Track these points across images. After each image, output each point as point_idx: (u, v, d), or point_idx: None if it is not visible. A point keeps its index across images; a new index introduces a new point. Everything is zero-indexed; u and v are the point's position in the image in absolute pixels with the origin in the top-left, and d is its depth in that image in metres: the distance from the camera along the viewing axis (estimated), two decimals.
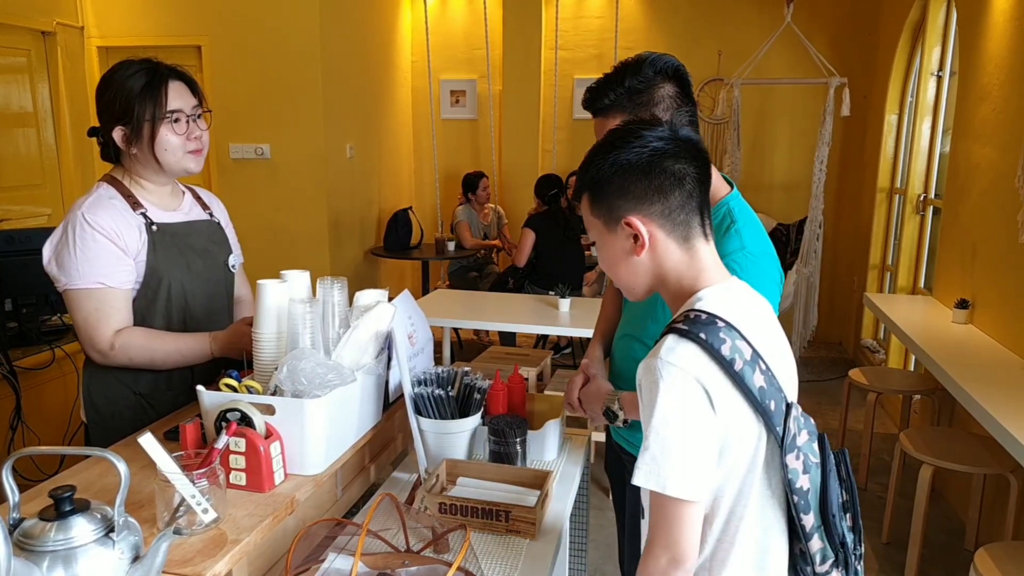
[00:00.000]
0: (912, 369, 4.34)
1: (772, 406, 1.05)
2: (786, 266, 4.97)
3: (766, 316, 1.16)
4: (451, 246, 5.54)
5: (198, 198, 1.90)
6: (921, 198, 4.67)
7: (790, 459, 1.05)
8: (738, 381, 1.03)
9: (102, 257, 1.63)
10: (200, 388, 1.39)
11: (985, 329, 3.22)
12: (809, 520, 1.08)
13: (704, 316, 1.06)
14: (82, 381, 1.80)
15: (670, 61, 1.48)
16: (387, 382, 1.68)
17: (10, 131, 4.26)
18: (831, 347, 5.98)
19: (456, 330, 5.50)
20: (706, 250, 1.15)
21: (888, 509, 3.16)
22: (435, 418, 1.62)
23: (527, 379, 3.40)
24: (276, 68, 4.79)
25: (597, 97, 1.49)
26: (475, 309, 4.08)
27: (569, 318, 3.78)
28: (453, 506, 1.45)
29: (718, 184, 1.53)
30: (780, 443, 1.06)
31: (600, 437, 3.31)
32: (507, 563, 1.35)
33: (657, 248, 1.13)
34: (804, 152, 5.70)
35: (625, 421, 1.52)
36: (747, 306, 1.13)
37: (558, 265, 4.84)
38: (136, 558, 1.00)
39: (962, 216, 3.59)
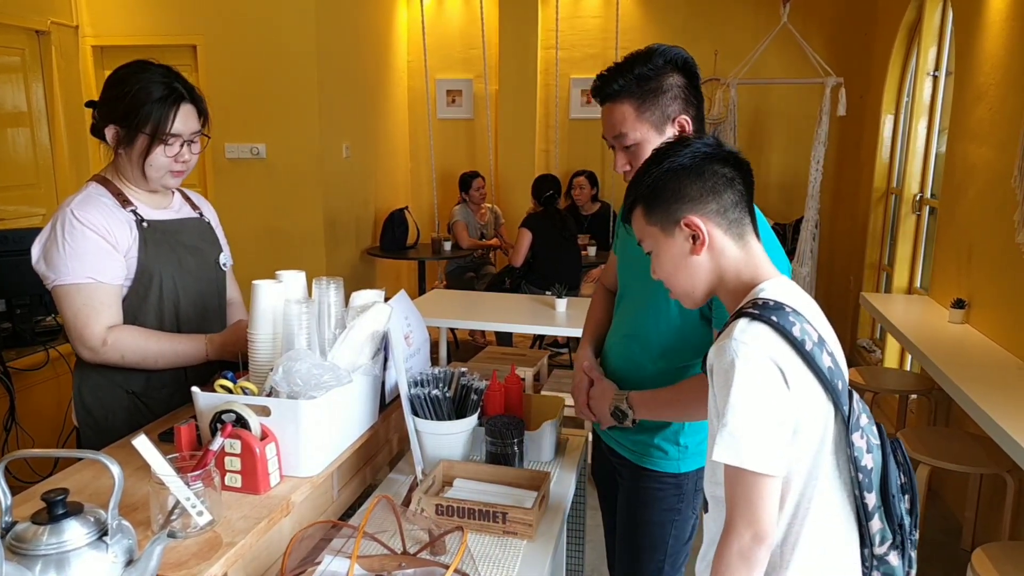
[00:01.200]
0: (908, 369, 4.35)
1: (839, 386, 1.10)
2: None
3: (817, 309, 1.21)
4: (447, 246, 5.53)
5: (187, 199, 1.90)
6: (917, 198, 4.67)
7: (855, 438, 1.10)
8: (809, 360, 1.08)
9: (91, 252, 1.61)
10: (195, 389, 1.38)
11: (981, 329, 3.22)
12: (871, 499, 1.12)
13: (772, 302, 1.11)
14: (73, 383, 1.78)
15: (680, 53, 1.50)
16: (383, 383, 1.68)
17: (4, 131, 4.24)
18: None
19: (452, 330, 5.50)
20: (759, 247, 1.21)
21: None
22: (432, 419, 1.61)
23: (524, 379, 3.39)
24: (272, 67, 4.78)
25: (606, 83, 1.50)
26: (472, 309, 4.08)
27: (566, 318, 3.78)
28: (450, 508, 1.44)
29: None
30: (846, 422, 1.10)
31: None
32: (504, 565, 1.35)
33: (715, 246, 1.18)
34: (800, 152, 5.70)
35: (633, 421, 1.52)
36: (805, 297, 1.19)
37: (555, 265, 4.84)
38: (130, 562, 0.99)
39: (958, 216, 3.59)
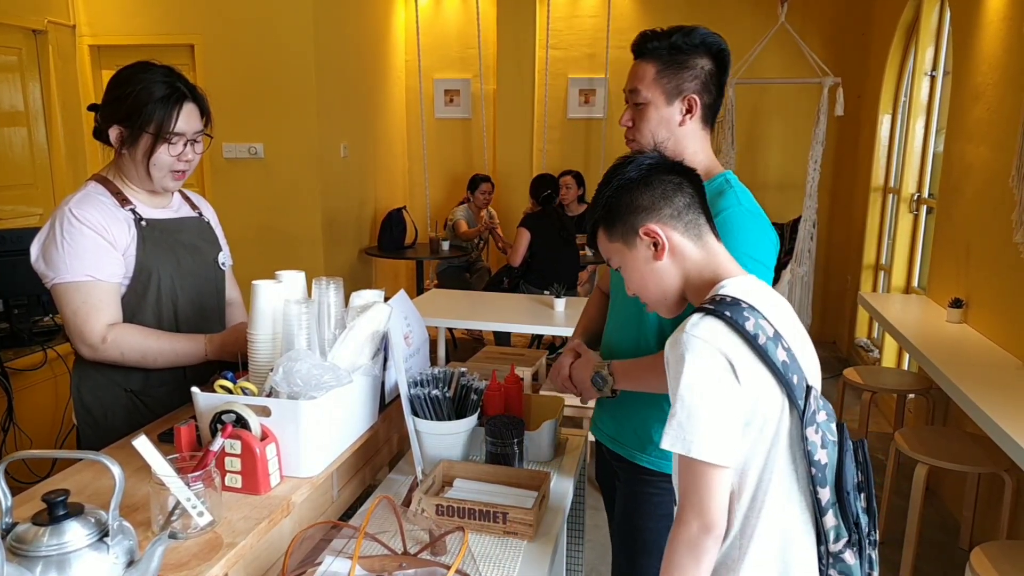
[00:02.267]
0: (907, 368, 4.35)
1: (795, 380, 1.11)
2: (780, 265, 4.98)
3: (784, 306, 1.23)
4: (445, 246, 5.53)
5: (186, 198, 1.90)
6: (915, 197, 4.68)
7: (809, 432, 1.12)
8: (762, 354, 1.09)
9: (90, 250, 1.61)
10: (195, 390, 1.38)
11: (979, 328, 3.22)
12: (825, 494, 1.13)
13: (728, 298, 1.14)
14: (71, 382, 1.78)
15: (718, 41, 1.55)
16: (383, 383, 1.67)
17: (1, 130, 4.23)
18: (825, 346, 5.99)
19: (451, 330, 5.49)
20: (719, 247, 1.25)
21: (883, 508, 3.17)
22: (431, 419, 1.61)
23: (523, 379, 3.39)
24: (269, 67, 4.77)
25: (644, 40, 1.55)
26: (470, 309, 4.08)
27: (564, 318, 3.78)
28: (450, 508, 1.44)
29: (714, 163, 1.59)
30: (801, 417, 1.11)
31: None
32: (504, 565, 1.35)
33: (676, 250, 1.23)
34: (798, 151, 5.71)
35: (614, 391, 1.52)
36: (766, 294, 1.21)
37: (553, 265, 4.84)
38: (131, 562, 0.99)
39: (956, 215, 3.60)
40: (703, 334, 1.09)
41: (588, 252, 5.45)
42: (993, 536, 2.85)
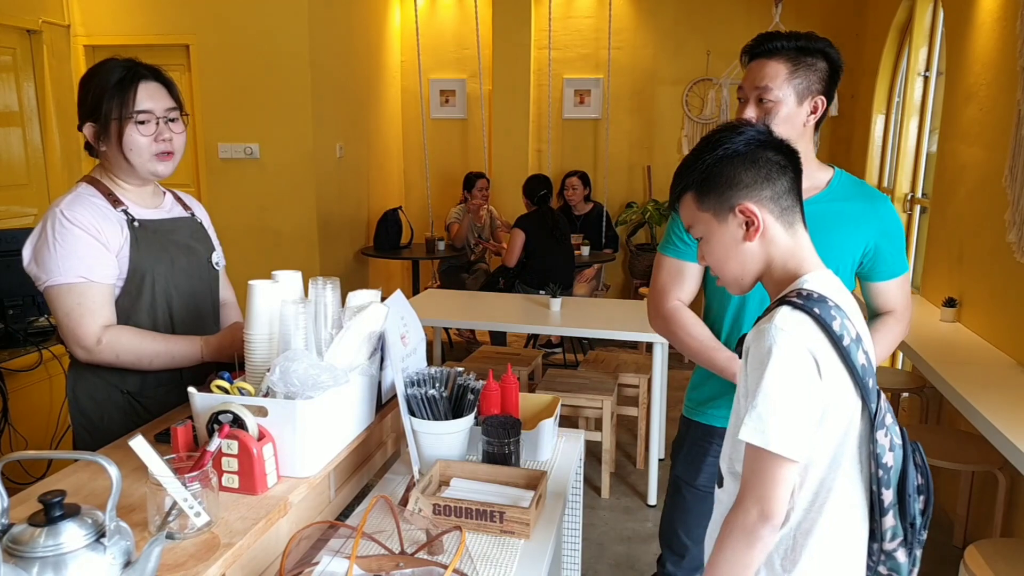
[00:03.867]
0: (900, 367, 4.37)
1: (870, 384, 1.13)
2: None
3: (857, 306, 1.23)
4: (441, 246, 5.53)
5: (179, 199, 1.89)
6: (908, 197, 4.69)
7: (879, 435, 1.13)
8: (845, 356, 1.10)
9: (82, 251, 1.60)
10: (192, 390, 1.38)
11: (973, 327, 3.24)
12: (888, 496, 1.15)
13: (816, 294, 1.13)
14: (67, 384, 1.77)
15: (834, 49, 1.61)
16: (380, 383, 1.68)
17: None
18: None
19: (447, 330, 5.49)
20: (806, 238, 1.22)
21: None
22: (428, 419, 1.61)
23: (519, 379, 3.39)
24: (265, 67, 4.77)
25: (768, 40, 1.58)
26: (466, 309, 4.08)
27: (560, 317, 3.78)
28: (447, 507, 1.44)
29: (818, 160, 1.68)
30: (872, 420, 1.13)
31: (594, 437, 3.31)
32: (501, 564, 1.35)
33: (767, 233, 1.19)
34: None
35: None
36: (845, 293, 1.20)
37: (548, 265, 4.85)
38: (128, 563, 0.99)
39: (949, 215, 3.62)
40: (792, 329, 1.08)
41: (583, 252, 5.46)
42: (987, 534, 2.86)
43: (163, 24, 4.78)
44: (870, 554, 1.18)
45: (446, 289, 5.12)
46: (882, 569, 1.18)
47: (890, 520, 1.16)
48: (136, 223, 1.69)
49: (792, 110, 1.57)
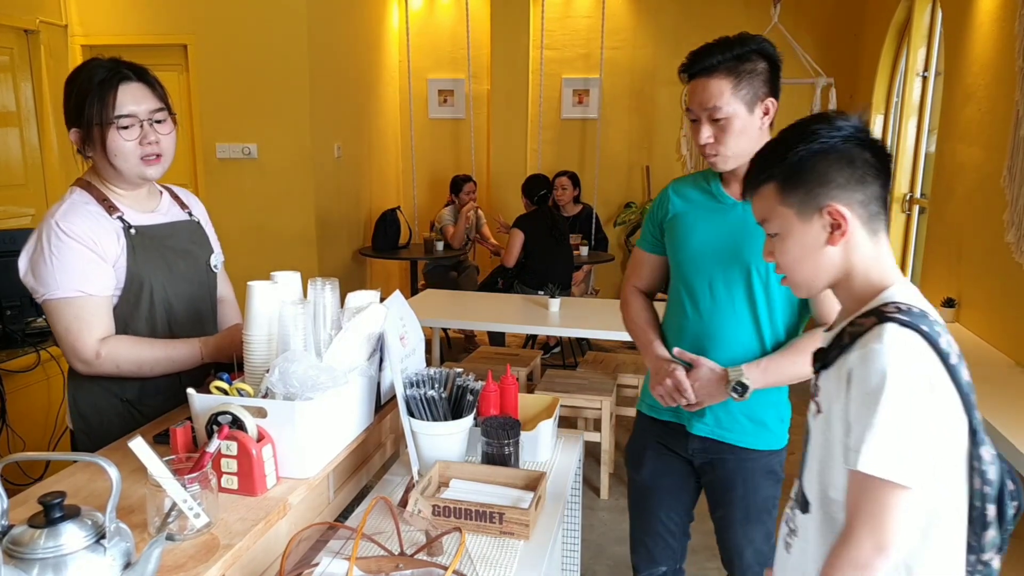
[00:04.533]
0: None
1: (974, 400, 1.08)
2: None
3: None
4: (439, 246, 5.53)
5: (176, 197, 1.85)
6: (907, 197, 4.70)
7: (983, 451, 1.09)
8: (952, 374, 1.05)
9: (79, 265, 1.58)
10: (191, 391, 1.37)
11: (971, 328, 3.24)
12: (991, 511, 1.10)
13: (916, 309, 1.07)
14: (67, 389, 1.75)
15: (767, 43, 1.61)
16: (379, 384, 1.67)
17: None
18: None
19: (445, 329, 5.49)
20: (888, 247, 1.15)
21: None
22: (427, 420, 1.61)
23: (518, 379, 3.39)
24: (263, 67, 4.76)
25: (703, 57, 1.58)
26: (465, 309, 4.08)
27: (559, 318, 3.78)
28: (447, 508, 1.44)
29: None
30: (974, 436, 1.09)
31: (593, 437, 3.31)
32: (501, 565, 1.35)
33: (852, 239, 1.12)
34: None
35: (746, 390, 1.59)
36: (929, 304, 1.14)
37: (547, 265, 4.84)
38: (128, 564, 0.98)
39: (948, 215, 3.62)
40: (905, 351, 1.02)
41: (583, 252, 5.46)
42: None
43: (161, 24, 4.77)
44: (968, 565, 1.14)
45: (434, 289, 5.12)
46: None
47: (991, 533, 1.11)
48: (133, 230, 1.66)
49: (745, 121, 1.57)
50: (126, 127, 1.59)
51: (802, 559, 1.20)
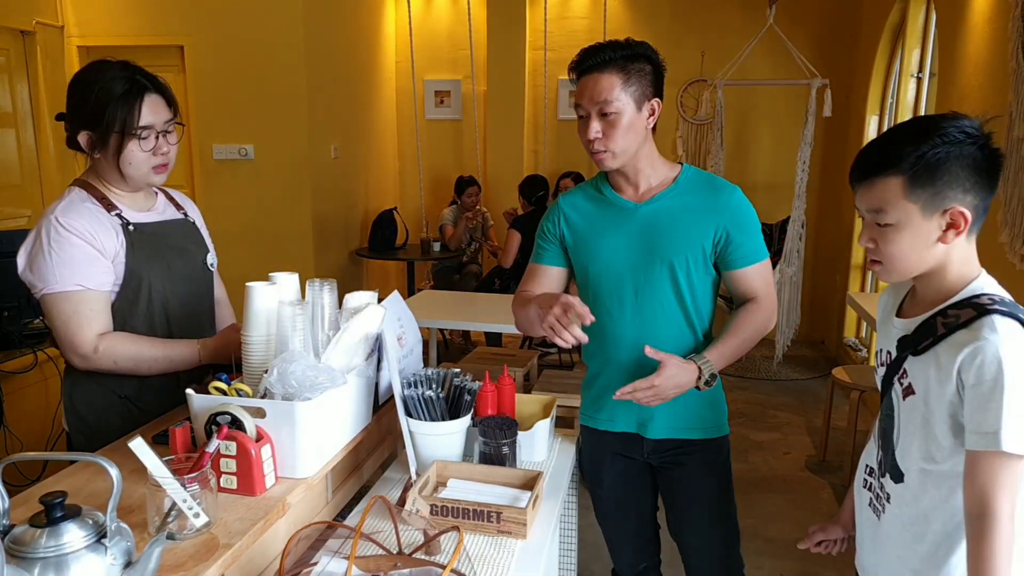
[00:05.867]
0: None
1: None
2: None
3: None
4: (436, 247, 5.53)
5: (171, 199, 1.87)
6: None
7: None
8: None
9: (78, 259, 1.59)
10: (190, 392, 1.38)
11: None
12: None
13: (1008, 299, 1.16)
14: (63, 388, 1.76)
15: (649, 47, 1.65)
16: (377, 384, 1.68)
17: None
18: (814, 346, 6.03)
19: (442, 330, 5.50)
20: (974, 243, 1.21)
21: None
22: (425, 420, 1.62)
23: (515, 380, 3.40)
24: (259, 68, 4.76)
25: (594, 54, 1.62)
26: (462, 310, 4.08)
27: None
28: (444, 508, 1.45)
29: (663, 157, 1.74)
30: None
31: None
32: (498, 564, 1.36)
33: (960, 239, 1.18)
34: (786, 152, 5.75)
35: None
36: None
37: None
38: (128, 563, 0.99)
39: None
40: (1015, 338, 1.11)
41: None
42: None
43: (157, 25, 4.77)
44: None
45: (439, 290, 5.12)
46: None
47: None
48: (131, 227, 1.68)
49: (633, 118, 1.61)
50: (144, 138, 1.63)
51: (896, 523, 1.29)
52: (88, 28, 4.79)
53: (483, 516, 1.44)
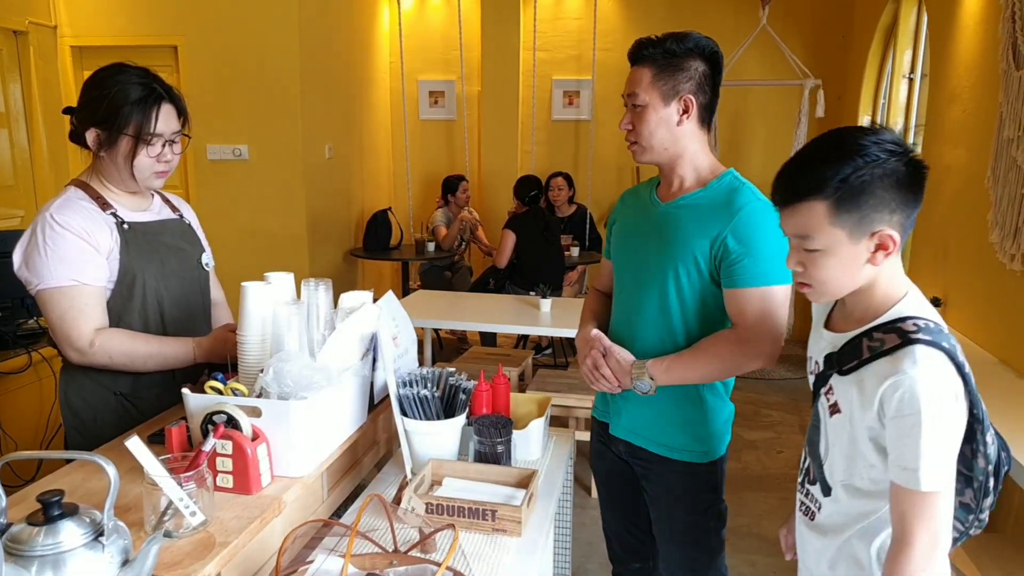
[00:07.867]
0: None
1: (977, 391, 1.14)
2: None
3: None
4: (431, 247, 5.54)
5: (166, 200, 1.90)
6: None
7: (988, 437, 1.16)
8: (967, 383, 1.12)
9: (73, 254, 1.61)
10: (186, 391, 1.39)
11: (957, 327, 3.28)
12: (991, 482, 1.19)
13: (932, 324, 1.12)
14: (59, 386, 1.77)
15: (710, 44, 1.62)
16: (372, 383, 1.69)
17: None
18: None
19: (436, 330, 5.50)
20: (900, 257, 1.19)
21: None
22: (420, 419, 1.63)
23: (510, 379, 3.41)
24: (254, 68, 4.76)
25: (639, 48, 1.62)
26: (457, 310, 4.09)
27: (550, 318, 3.80)
28: (439, 506, 1.46)
29: (716, 162, 1.68)
30: (980, 424, 1.15)
31: (583, 436, 3.33)
32: (493, 562, 1.37)
33: (889, 258, 1.15)
34: (779, 153, 5.77)
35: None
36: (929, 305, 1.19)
37: (538, 266, 4.86)
38: (125, 561, 1.00)
39: (934, 216, 3.66)
40: (936, 373, 1.08)
41: (573, 253, 5.48)
42: None
43: (151, 25, 4.76)
44: (963, 524, 1.23)
45: (428, 289, 5.13)
46: (973, 531, 1.24)
47: (990, 498, 1.20)
48: (125, 225, 1.70)
49: (660, 113, 1.59)
50: (152, 144, 1.66)
51: (824, 532, 1.29)
52: (81, 28, 4.78)
53: (478, 514, 1.45)
